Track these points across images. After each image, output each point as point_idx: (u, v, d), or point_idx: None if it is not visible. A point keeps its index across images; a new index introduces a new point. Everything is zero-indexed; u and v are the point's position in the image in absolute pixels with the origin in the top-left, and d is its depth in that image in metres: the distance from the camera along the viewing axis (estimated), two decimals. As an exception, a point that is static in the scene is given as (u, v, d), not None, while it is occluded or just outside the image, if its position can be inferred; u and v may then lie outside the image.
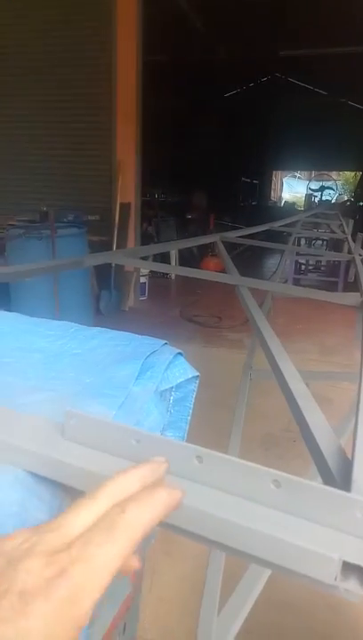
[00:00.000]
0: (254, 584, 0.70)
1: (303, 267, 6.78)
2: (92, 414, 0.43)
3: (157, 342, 0.72)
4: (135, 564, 0.30)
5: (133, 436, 0.41)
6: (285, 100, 12.28)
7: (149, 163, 6.02)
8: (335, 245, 6.40)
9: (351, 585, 0.33)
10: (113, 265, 4.90)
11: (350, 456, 0.50)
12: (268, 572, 0.73)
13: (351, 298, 1.23)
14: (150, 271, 5.82)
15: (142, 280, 5.52)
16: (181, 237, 7.55)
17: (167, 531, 0.36)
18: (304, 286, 5.31)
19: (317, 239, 7.41)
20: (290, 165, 19.29)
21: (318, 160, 15.92)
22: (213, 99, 10.44)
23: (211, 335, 4.38)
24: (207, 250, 6.91)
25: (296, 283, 5.89)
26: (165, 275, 6.53)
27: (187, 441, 0.92)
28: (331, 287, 5.71)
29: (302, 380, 0.70)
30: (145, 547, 0.86)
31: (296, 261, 6.22)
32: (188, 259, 7.01)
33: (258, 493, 0.37)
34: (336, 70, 9.09)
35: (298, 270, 6.62)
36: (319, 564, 0.33)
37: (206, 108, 10.32)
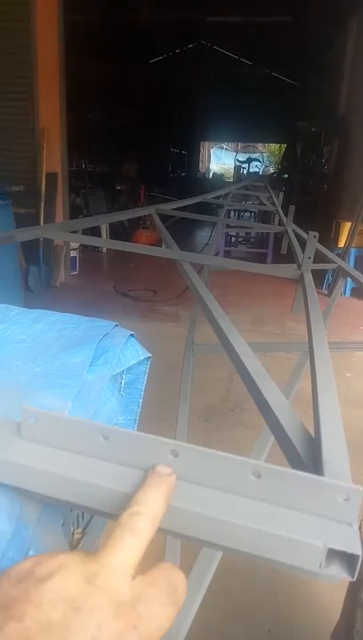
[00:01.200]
0: (209, 566, 0.70)
1: (234, 239, 6.87)
2: (52, 411, 0.40)
3: (108, 324, 0.68)
4: None
5: (99, 432, 0.37)
6: (211, 69, 12.14)
7: (76, 131, 5.75)
8: (264, 217, 6.55)
9: (334, 570, 0.32)
10: (41, 239, 4.67)
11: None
12: (220, 554, 0.74)
13: (290, 271, 1.25)
14: (81, 245, 5.63)
15: (73, 254, 5.33)
16: (111, 209, 7.35)
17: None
18: (235, 258, 5.39)
19: (245, 211, 7.53)
20: (218, 137, 19.30)
21: (245, 132, 16.05)
22: (139, 64, 10.08)
23: (147, 309, 4.34)
24: (139, 222, 6.79)
25: (227, 255, 5.95)
26: (96, 248, 6.35)
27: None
28: (260, 258, 5.84)
29: (255, 357, 0.70)
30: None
31: (227, 233, 6.29)
32: (118, 232, 6.85)
33: (238, 485, 0.35)
34: (261, 40, 9.09)
35: (229, 242, 6.70)
36: (304, 552, 0.32)
37: (133, 75, 9.96)
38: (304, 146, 8.16)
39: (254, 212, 6.48)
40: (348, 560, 0.32)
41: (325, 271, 4.61)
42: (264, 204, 3.56)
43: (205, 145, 20.55)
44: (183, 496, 0.35)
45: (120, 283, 5.10)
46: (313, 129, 7.61)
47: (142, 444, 0.37)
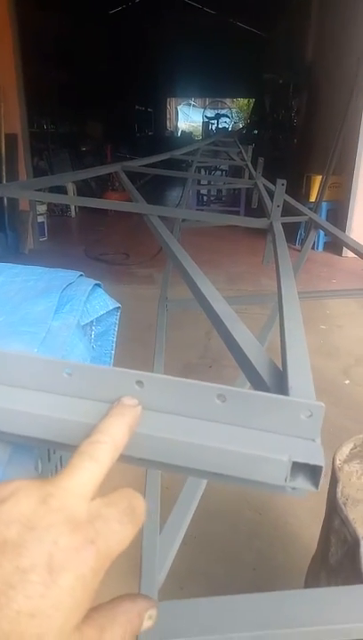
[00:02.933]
0: (192, 499, 0.72)
1: (205, 197, 6.78)
2: (11, 349, 0.39)
3: (72, 274, 0.67)
4: None
5: (62, 368, 0.37)
6: (174, 20, 11.60)
7: (34, 89, 5.47)
8: (235, 174, 6.45)
9: (299, 483, 0.33)
10: (5, 203, 4.51)
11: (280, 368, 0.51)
12: (203, 487, 0.76)
13: (261, 221, 1.25)
14: (48, 210, 5.47)
15: (40, 220, 5.18)
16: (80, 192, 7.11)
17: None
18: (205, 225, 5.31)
19: (216, 169, 7.40)
20: (184, 93, 18.69)
21: (213, 87, 15.57)
22: (99, 17, 9.56)
23: (120, 273, 4.30)
24: (107, 184, 6.62)
25: (200, 209, 5.89)
26: (64, 213, 6.19)
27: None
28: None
29: (225, 302, 0.70)
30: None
31: (198, 192, 6.20)
32: (86, 194, 6.67)
33: (204, 410, 0.36)
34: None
35: (200, 202, 6.61)
36: (270, 468, 0.33)
37: (93, 28, 9.45)
38: (273, 99, 7.98)
39: (225, 171, 6.38)
40: (312, 472, 0.33)
41: (297, 226, 4.61)
42: (234, 159, 3.50)
43: (171, 102, 19.91)
44: (149, 424, 0.35)
45: (91, 247, 5.01)
46: (281, 81, 7.42)
47: (107, 377, 0.36)
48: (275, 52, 9.59)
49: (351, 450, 0.81)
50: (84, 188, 6.59)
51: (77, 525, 0.25)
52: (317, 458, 0.33)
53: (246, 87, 13.75)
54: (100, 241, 5.28)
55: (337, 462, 0.79)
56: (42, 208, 5.22)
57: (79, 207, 6.58)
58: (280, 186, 1.21)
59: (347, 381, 2.51)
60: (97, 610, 0.26)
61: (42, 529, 0.24)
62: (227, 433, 0.35)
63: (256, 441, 0.34)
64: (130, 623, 0.27)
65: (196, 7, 11.05)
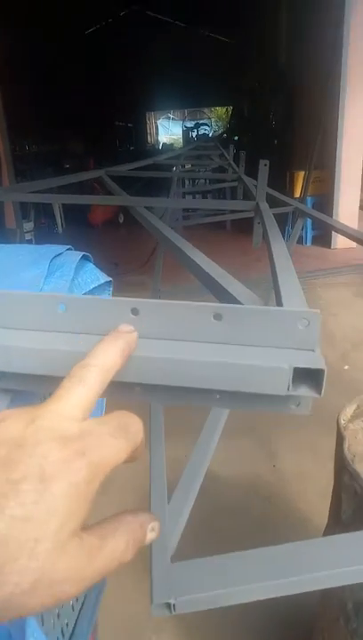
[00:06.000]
0: (200, 467, 0.72)
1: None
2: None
3: (60, 247, 0.67)
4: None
5: (57, 302, 0.37)
6: (146, 36, 11.78)
7: (14, 110, 5.51)
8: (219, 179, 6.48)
9: (302, 390, 0.33)
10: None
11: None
12: (210, 456, 0.75)
13: (247, 203, 1.25)
14: (35, 227, 5.49)
15: (28, 237, 5.19)
16: (61, 188, 7.14)
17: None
18: (194, 224, 5.35)
19: (198, 179, 7.44)
20: (162, 105, 18.87)
21: (190, 98, 15.72)
22: (74, 36, 9.69)
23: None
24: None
25: (186, 219, 5.92)
26: (52, 229, 6.20)
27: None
28: (219, 223, 5.82)
29: (218, 266, 0.70)
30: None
31: (184, 198, 6.21)
32: (72, 207, 6.68)
33: (201, 332, 0.35)
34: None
35: (186, 210, 6.64)
36: (271, 377, 0.33)
37: (69, 48, 9.57)
38: (250, 104, 8.08)
39: (209, 180, 6.43)
40: (314, 379, 0.33)
41: (285, 222, 4.64)
42: (217, 161, 3.53)
43: (151, 116, 20.11)
44: (149, 348, 0.35)
45: (82, 260, 5.00)
46: (257, 83, 7.52)
47: (102, 308, 0.36)
48: (249, 58, 9.73)
49: (355, 410, 0.81)
50: (69, 205, 6.61)
51: (67, 441, 0.25)
52: (318, 363, 0.33)
53: (223, 95, 13.90)
54: (89, 253, 5.28)
55: (342, 422, 0.79)
56: (29, 226, 5.23)
57: (67, 222, 6.60)
58: (263, 167, 1.23)
59: (346, 367, 2.52)
60: (99, 522, 0.26)
61: (30, 446, 0.25)
62: (225, 350, 0.35)
63: (255, 354, 0.34)
64: (133, 533, 0.27)
65: (167, 21, 11.23)
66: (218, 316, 0.35)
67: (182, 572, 0.55)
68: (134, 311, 0.36)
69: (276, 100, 7.19)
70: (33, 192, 1.52)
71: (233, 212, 1.88)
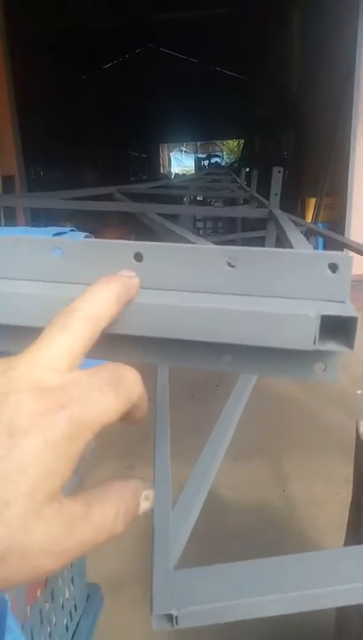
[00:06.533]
0: (207, 470, 0.66)
1: (201, 230, 6.85)
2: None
3: (64, 228, 0.64)
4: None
5: (51, 247, 0.33)
6: (161, 71, 12.20)
7: (30, 136, 5.65)
8: (231, 204, 6.54)
9: (331, 345, 0.28)
10: None
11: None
12: (218, 463, 0.70)
13: (261, 211, 1.23)
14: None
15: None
16: (73, 218, 7.24)
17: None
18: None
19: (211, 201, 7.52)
20: (176, 137, 19.37)
21: (203, 130, 16.16)
22: (92, 70, 10.05)
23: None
24: (108, 223, 6.71)
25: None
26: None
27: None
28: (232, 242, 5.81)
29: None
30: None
31: (195, 225, 6.27)
32: (84, 230, 6.75)
33: (213, 281, 0.31)
34: (205, 36, 9.18)
35: (197, 234, 6.68)
36: (295, 328, 0.28)
37: (86, 81, 9.93)
38: (262, 136, 8.23)
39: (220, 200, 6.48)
40: (344, 332, 0.28)
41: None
42: (228, 188, 3.54)
43: (164, 148, 20.61)
44: (156, 297, 0.30)
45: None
46: (268, 116, 7.69)
47: (101, 252, 0.32)
48: (261, 92, 9.99)
49: (376, 417, 0.75)
50: (82, 226, 6.68)
51: (44, 392, 0.21)
52: (349, 311, 0.28)
53: (235, 128, 14.25)
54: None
55: (361, 430, 0.73)
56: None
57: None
58: (277, 173, 1.20)
59: (359, 391, 2.44)
60: (85, 489, 0.23)
61: (0, 396, 0.21)
62: (241, 300, 0.30)
63: (275, 304, 0.29)
64: (123, 501, 0.23)
65: (180, 58, 11.63)
66: (233, 261, 0.31)
67: (187, 581, 0.49)
68: (138, 256, 0.32)
69: (287, 133, 7.32)
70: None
71: (244, 231, 1.86)
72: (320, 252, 0.30)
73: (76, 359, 0.24)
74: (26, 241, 0.33)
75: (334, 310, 0.28)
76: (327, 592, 0.47)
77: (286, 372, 0.32)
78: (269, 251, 0.30)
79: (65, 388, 0.22)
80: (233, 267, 0.31)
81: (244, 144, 13.09)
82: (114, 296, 0.28)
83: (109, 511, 0.22)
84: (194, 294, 0.31)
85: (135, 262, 0.32)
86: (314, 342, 0.28)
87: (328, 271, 0.30)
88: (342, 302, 0.30)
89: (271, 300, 0.30)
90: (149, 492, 0.25)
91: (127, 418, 0.25)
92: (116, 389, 0.23)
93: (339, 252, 0.29)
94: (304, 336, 0.28)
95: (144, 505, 0.24)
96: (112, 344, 0.31)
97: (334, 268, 0.29)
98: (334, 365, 0.30)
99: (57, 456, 0.20)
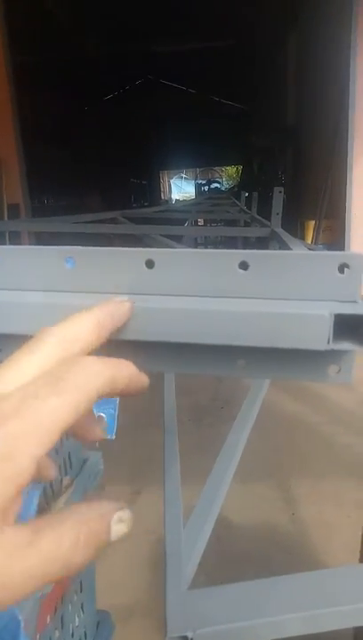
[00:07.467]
0: (217, 491, 0.65)
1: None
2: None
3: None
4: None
5: (63, 255, 0.33)
6: (161, 101, 12.54)
7: (34, 164, 5.78)
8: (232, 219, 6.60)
9: (346, 345, 0.28)
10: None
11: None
12: (228, 482, 0.69)
13: (262, 230, 1.24)
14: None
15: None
16: (78, 241, 7.33)
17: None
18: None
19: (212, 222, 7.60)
20: (176, 164, 19.76)
21: (202, 158, 16.50)
22: (93, 101, 10.34)
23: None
24: (111, 247, 6.78)
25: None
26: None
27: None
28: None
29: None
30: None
31: (195, 241, 6.33)
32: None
33: (225, 285, 0.31)
34: (205, 68, 9.46)
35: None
36: (310, 327, 0.28)
37: (88, 111, 10.20)
38: (260, 162, 8.39)
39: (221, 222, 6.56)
40: (357, 329, 0.28)
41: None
42: (229, 212, 3.59)
43: (164, 175, 20.98)
44: (168, 303, 0.30)
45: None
46: (267, 145, 7.86)
47: (113, 260, 0.32)
48: (258, 119, 10.24)
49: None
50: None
51: None
52: (361, 310, 0.28)
53: (234, 155, 14.55)
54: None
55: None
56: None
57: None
58: (278, 193, 1.22)
59: (367, 412, 2.41)
60: (40, 516, 0.21)
61: None
62: (254, 303, 0.30)
63: (288, 305, 0.30)
64: (87, 525, 0.20)
65: (180, 89, 11.97)
66: (244, 265, 0.31)
67: (201, 601, 0.48)
68: (149, 263, 0.32)
69: (285, 158, 7.47)
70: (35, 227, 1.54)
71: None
72: (331, 252, 0.30)
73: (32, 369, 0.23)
74: (37, 251, 0.33)
75: (347, 309, 0.28)
76: (346, 611, 0.46)
77: (300, 374, 0.32)
78: (280, 253, 0.31)
79: (5, 400, 0.21)
80: (245, 270, 0.31)
81: (242, 170, 13.34)
82: (92, 322, 0.27)
83: (66, 538, 0.20)
84: (207, 298, 0.31)
85: (147, 269, 0.32)
86: (328, 342, 0.28)
87: (339, 272, 0.30)
88: (354, 302, 0.30)
89: (284, 302, 0.30)
90: (124, 514, 0.22)
91: (122, 393, 0.24)
92: (55, 389, 0.21)
93: (350, 252, 0.30)
94: (318, 336, 0.28)
95: (118, 528, 0.21)
96: (125, 352, 0.30)
97: (345, 268, 0.30)
98: (349, 367, 0.30)
99: None
